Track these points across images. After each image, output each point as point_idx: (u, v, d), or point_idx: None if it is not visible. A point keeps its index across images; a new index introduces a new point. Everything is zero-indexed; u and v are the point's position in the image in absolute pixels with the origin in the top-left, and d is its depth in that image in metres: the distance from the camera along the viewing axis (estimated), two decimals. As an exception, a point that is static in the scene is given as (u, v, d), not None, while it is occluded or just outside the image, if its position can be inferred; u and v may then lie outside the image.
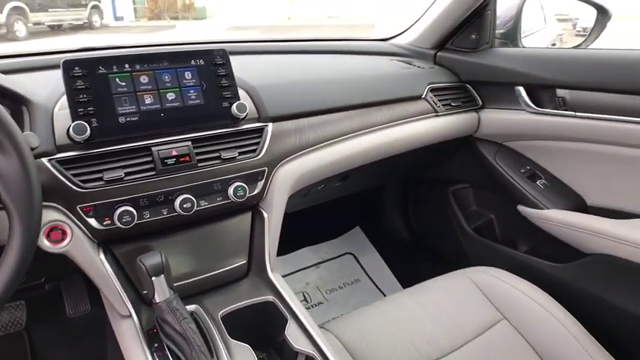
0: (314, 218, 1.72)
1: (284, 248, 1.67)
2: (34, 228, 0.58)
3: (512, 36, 1.29)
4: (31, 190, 0.58)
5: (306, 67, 1.14)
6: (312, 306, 1.51)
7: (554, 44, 1.58)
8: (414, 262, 1.62)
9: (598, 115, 1.04)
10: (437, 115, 1.18)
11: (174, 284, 0.76)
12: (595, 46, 1.32)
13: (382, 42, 1.46)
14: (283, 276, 1.60)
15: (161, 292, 0.69)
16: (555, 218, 1.12)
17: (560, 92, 1.12)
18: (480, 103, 1.26)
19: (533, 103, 1.15)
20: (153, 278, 0.68)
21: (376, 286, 1.60)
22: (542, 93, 1.15)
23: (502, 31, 1.32)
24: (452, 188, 1.44)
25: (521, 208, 1.20)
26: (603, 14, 1.31)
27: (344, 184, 1.21)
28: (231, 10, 15.27)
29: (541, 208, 1.15)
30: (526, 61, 1.16)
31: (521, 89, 1.16)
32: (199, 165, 0.78)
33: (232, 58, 0.84)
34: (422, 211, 1.61)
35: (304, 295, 1.54)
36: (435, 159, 1.41)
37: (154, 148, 0.75)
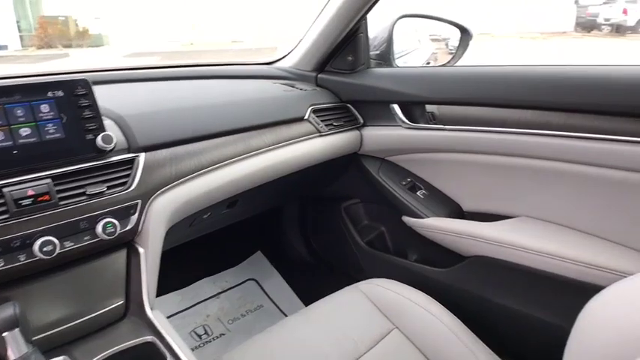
0: (212, 247, 1.69)
1: (181, 281, 1.61)
2: None
3: (385, 57, 1.38)
4: None
5: (183, 93, 1.12)
6: (214, 339, 1.47)
7: (429, 62, 1.71)
8: (316, 281, 1.64)
9: (463, 127, 1.14)
10: (320, 135, 1.22)
11: (37, 336, 0.70)
12: (462, 62, 1.46)
13: (265, 66, 1.48)
14: (180, 311, 1.54)
15: (16, 347, 0.63)
16: (435, 225, 1.20)
17: (429, 107, 1.21)
18: (362, 121, 1.32)
19: (408, 119, 1.24)
20: (4, 334, 0.62)
21: (280, 309, 1.60)
22: (415, 109, 1.24)
23: (377, 52, 1.41)
24: (344, 204, 1.49)
25: (405, 218, 1.27)
26: (466, 34, 1.45)
27: (233, 210, 1.20)
28: (131, 36, 14.77)
29: (422, 217, 1.23)
30: (398, 80, 1.24)
31: (396, 106, 1.24)
32: (61, 203, 0.73)
33: (101, 88, 0.81)
34: (319, 230, 1.64)
35: (205, 329, 1.49)
36: (326, 177, 1.45)
37: (5, 189, 0.69)
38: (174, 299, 1.55)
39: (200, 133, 0.97)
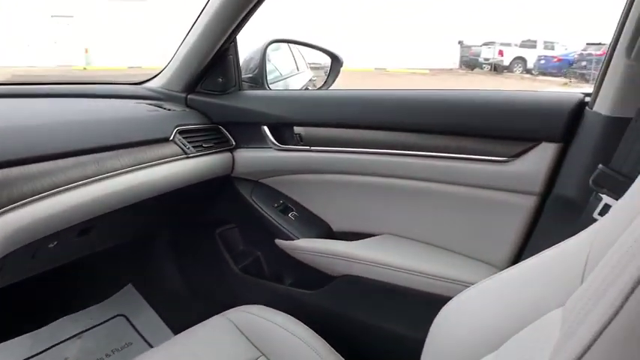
0: (74, 281, 1.54)
1: (34, 322, 1.45)
2: None
3: (258, 79, 1.39)
4: None
5: (30, 112, 1.03)
6: (71, 384, 1.32)
7: (307, 88, 1.76)
8: (192, 313, 1.56)
9: (329, 148, 1.16)
10: (187, 157, 1.18)
11: None
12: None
13: (135, 85, 1.42)
14: (31, 356, 1.38)
15: None
16: (305, 247, 1.20)
17: (297, 129, 1.23)
18: (233, 143, 1.30)
19: (278, 141, 1.24)
20: None
21: (151, 346, 1.49)
22: (284, 131, 1.25)
23: (250, 75, 1.41)
24: (219, 230, 1.45)
25: (278, 241, 1.26)
26: (336, 61, 1.50)
27: (87, 238, 1.11)
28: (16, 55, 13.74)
29: (293, 239, 1.22)
30: (267, 102, 1.25)
31: (266, 128, 1.24)
32: None
33: None
34: (194, 258, 1.57)
35: (62, 374, 1.34)
36: (198, 201, 1.40)
37: None
38: (24, 343, 1.38)
39: (42, 153, 0.88)
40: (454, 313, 0.63)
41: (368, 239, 1.15)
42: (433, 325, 0.64)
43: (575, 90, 1.06)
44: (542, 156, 0.90)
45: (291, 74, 1.74)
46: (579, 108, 0.87)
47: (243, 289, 1.40)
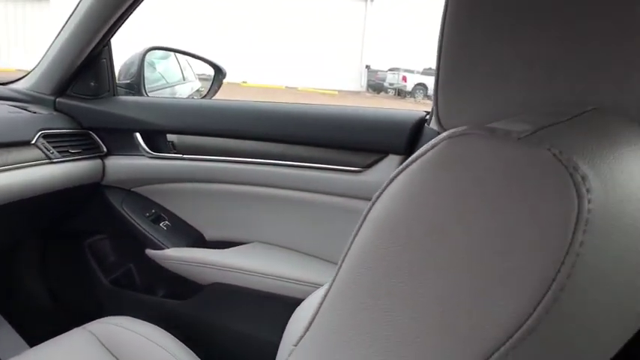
0: None
1: None
2: None
3: (136, 86, 1.37)
4: None
5: None
6: None
7: (192, 97, 1.76)
8: (54, 326, 1.47)
9: (201, 156, 1.17)
10: (51, 162, 1.13)
11: None
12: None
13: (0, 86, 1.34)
14: None
15: None
16: (175, 256, 1.19)
17: (170, 137, 1.23)
18: (105, 150, 1.27)
19: (151, 149, 1.23)
20: None
21: (4, 364, 1.38)
22: (157, 138, 1.24)
23: (128, 81, 1.39)
24: (89, 241, 1.39)
25: (148, 251, 1.24)
26: (219, 73, 1.53)
27: None
28: None
29: (163, 249, 1.21)
30: (141, 109, 1.23)
31: (138, 135, 1.23)
32: None
33: None
34: (61, 269, 1.49)
35: None
36: (64, 210, 1.34)
37: None
38: None
39: None
40: (305, 312, 0.67)
41: (236, 247, 1.17)
42: (287, 326, 0.68)
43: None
44: (389, 166, 0.99)
45: (177, 83, 1.73)
46: (420, 124, 0.97)
47: (113, 302, 1.35)
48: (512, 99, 0.35)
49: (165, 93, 1.67)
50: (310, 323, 0.33)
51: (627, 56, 0.31)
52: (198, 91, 1.78)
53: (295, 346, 0.35)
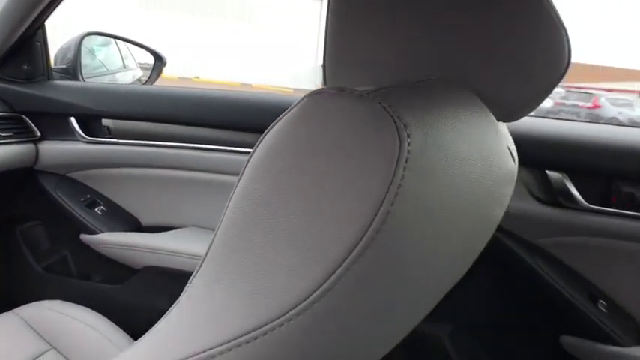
0: None
1: None
2: None
3: (72, 71, 1.36)
4: None
5: None
6: None
7: (134, 86, 1.75)
8: None
9: (137, 141, 1.18)
10: None
11: None
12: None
13: None
14: None
15: None
16: (109, 240, 1.19)
17: (105, 122, 1.23)
18: (38, 134, 1.25)
19: (87, 134, 1.23)
20: None
21: None
22: (93, 123, 1.24)
23: (64, 66, 1.37)
24: (21, 227, 1.36)
25: (83, 236, 1.24)
26: (159, 61, 1.53)
27: None
28: None
29: (98, 233, 1.21)
30: (76, 93, 1.23)
31: (73, 120, 1.22)
32: None
33: None
34: None
35: None
36: None
37: None
38: None
39: None
40: None
41: (171, 231, 1.19)
42: None
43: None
44: None
45: (118, 71, 1.72)
46: None
47: (47, 289, 1.34)
48: (382, 77, 0.40)
49: (106, 80, 1.66)
50: (201, 262, 0.37)
51: (468, 41, 0.37)
52: (139, 79, 1.77)
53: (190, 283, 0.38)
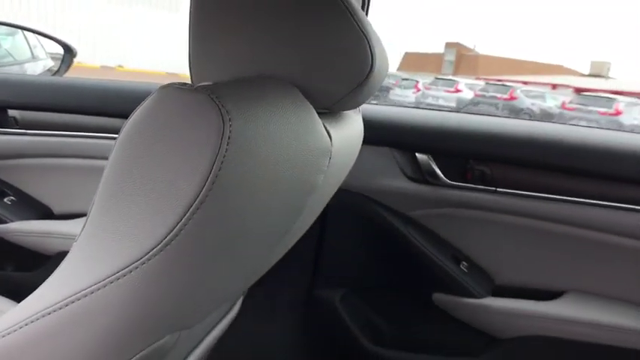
0: None
1: None
2: None
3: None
4: None
5: None
6: None
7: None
8: None
9: (46, 131, 1.22)
10: None
11: None
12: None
13: None
14: None
15: None
16: (20, 229, 1.23)
17: (12, 112, 1.26)
18: None
19: None
20: None
21: None
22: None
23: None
24: None
25: None
26: (69, 53, 1.55)
27: None
28: None
29: (7, 223, 1.24)
30: None
31: None
32: None
33: None
34: None
35: None
36: None
37: None
38: None
39: None
40: None
41: (82, 218, 1.24)
42: None
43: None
44: None
45: (27, 61, 1.71)
46: None
47: None
48: (230, 72, 0.51)
49: (13, 70, 1.65)
50: (83, 225, 0.46)
51: (290, 47, 0.49)
52: (49, 70, 1.77)
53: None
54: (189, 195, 0.39)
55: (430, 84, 15.42)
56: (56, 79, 1.24)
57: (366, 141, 0.80)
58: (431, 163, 1.05)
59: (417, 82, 15.47)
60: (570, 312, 1.00)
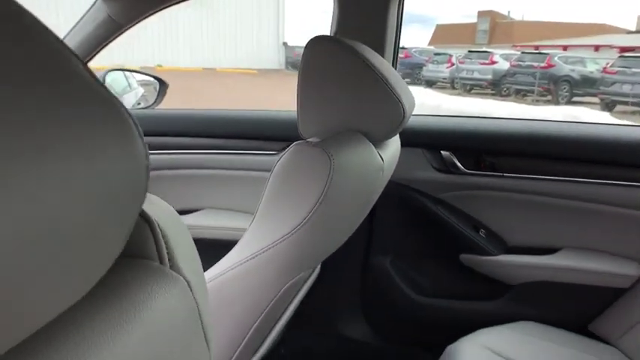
0: None
1: None
2: None
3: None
4: None
5: None
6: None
7: (139, 103, 2.20)
8: None
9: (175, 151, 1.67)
10: None
11: None
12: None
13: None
14: None
15: None
16: None
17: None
18: None
19: None
20: None
21: None
22: None
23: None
24: None
25: None
26: (163, 84, 1.99)
27: None
28: None
29: None
30: None
31: None
32: None
33: None
34: None
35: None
36: None
37: None
38: None
39: None
40: None
41: (194, 213, 1.68)
42: None
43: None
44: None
45: (124, 92, 2.16)
46: None
47: None
48: (328, 125, 0.92)
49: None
50: (251, 222, 0.87)
51: (357, 108, 0.89)
52: (143, 95, 2.21)
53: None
54: (312, 201, 0.80)
55: (464, 57, 15.34)
56: (172, 111, 1.68)
57: (404, 144, 1.20)
58: (452, 157, 1.43)
59: (451, 56, 15.46)
60: (564, 263, 1.37)
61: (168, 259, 0.36)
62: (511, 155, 1.42)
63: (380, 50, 1.26)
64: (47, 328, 0.27)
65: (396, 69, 1.37)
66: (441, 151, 1.45)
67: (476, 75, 14.24)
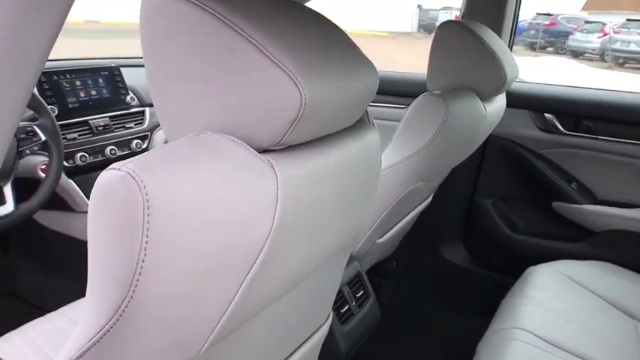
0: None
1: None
2: (61, 160, 1.32)
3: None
4: (60, 138, 1.32)
5: None
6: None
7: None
8: None
9: None
10: None
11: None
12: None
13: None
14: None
15: None
16: None
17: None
18: None
19: None
20: None
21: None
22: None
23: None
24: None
25: None
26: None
27: None
28: None
29: None
30: None
31: None
32: (115, 130, 1.57)
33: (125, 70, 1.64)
34: None
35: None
36: None
37: (90, 121, 1.52)
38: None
39: None
40: None
41: None
42: None
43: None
44: None
45: None
46: None
47: None
48: (448, 83, 1.31)
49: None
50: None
51: (473, 69, 1.28)
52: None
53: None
54: (432, 132, 1.21)
55: (620, 27, 14.03)
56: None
57: (514, 106, 1.55)
58: (554, 120, 1.74)
59: (604, 24, 14.21)
60: (641, 215, 1.64)
61: None
62: (605, 121, 1.69)
63: (497, 29, 1.61)
64: None
65: (512, 42, 1.71)
66: (545, 114, 1.76)
67: (632, 47, 13.01)
